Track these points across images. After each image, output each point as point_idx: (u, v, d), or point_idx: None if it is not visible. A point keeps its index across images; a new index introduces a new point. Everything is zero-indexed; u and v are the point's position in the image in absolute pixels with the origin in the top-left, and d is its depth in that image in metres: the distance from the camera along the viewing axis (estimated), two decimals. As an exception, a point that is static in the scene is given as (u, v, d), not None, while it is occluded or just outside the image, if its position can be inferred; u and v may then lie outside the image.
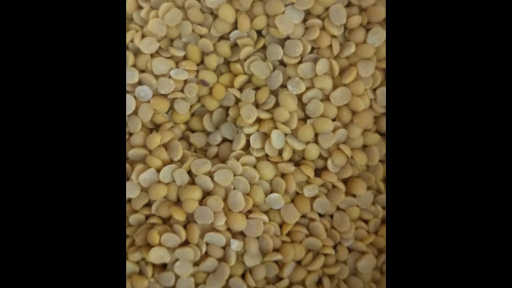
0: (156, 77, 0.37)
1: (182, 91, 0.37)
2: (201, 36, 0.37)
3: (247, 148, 0.37)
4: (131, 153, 0.37)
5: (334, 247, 0.37)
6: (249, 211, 0.36)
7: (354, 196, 0.37)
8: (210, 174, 0.36)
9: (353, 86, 0.36)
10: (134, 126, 0.37)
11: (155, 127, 0.38)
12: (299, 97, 0.36)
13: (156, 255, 0.35)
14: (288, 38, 0.36)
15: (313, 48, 0.37)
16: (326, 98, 0.36)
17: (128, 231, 0.37)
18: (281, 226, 0.37)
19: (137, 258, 0.36)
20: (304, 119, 0.36)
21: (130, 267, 0.36)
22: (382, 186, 0.37)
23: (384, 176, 0.38)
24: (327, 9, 0.36)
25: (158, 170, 0.36)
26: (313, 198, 0.37)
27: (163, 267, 0.37)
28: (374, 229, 0.38)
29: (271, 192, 0.36)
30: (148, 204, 0.37)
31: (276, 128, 0.36)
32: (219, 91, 0.37)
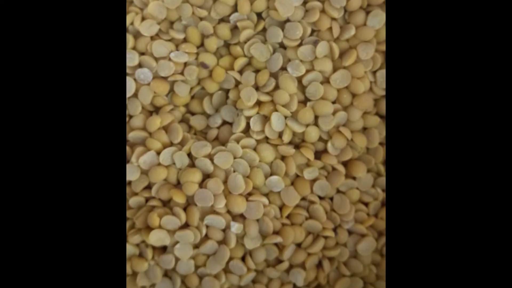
0: (156, 59, 0.37)
1: (182, 73, 0.37)
2: (201, 19, 0.37)
3: (247, 130, 0.37)
4: (131, 135, 0.36)
5: (334, 230, 0.37)
6: (249, 194, 0.36)
7: (354, 178, 0.37)
8: (210, 157, 0.36)
9: (353, 69, 0.36)
10: (134, 108, 0.37)
11: (155, 110, 0.38)
12: (299, 79, 0.36)
13: (156, 238, 0.35)
14: (288, 20, 0.36)
15: (313, 31, 0.36)
16: (326, 81, 0.36)
17: (128, 213, 0.37)
18: (281, 208, 0.37)
19: (137, 241, 0.36)
20: (304, 101, 0.36)
21: (130, 249, 0.36)
22: (382, 169, 0.37)
23: (384, 159, 0.37)
24: (327, -9, 0.36)
25: (158, 153, 0.36)
26: (313, 180, 0.37)
27: (163, 249, 0.37)
28: (374, 211, 0.38)
29: (271, 174, 0.36)
30: (148, 187, 0.37)
31: (276, 110, 0.36)
32: (219, 73, 0.37)
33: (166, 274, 0.37)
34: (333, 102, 0.36)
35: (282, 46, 0.37)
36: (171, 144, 0.36)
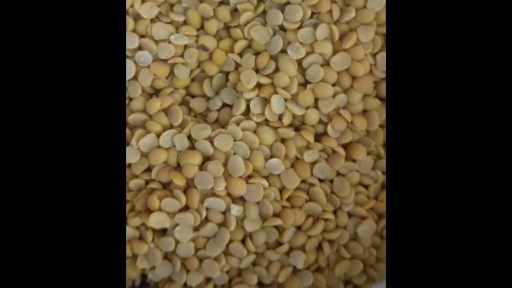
0: (156, 42, 0.37)
1: (182, 56, 0.37)
2: (201, 1, 0.37)
3: (247, 113, 0.37)
4: (131, 118, 0.36)
5: (334, 212, 0.37)
6: (249, 176, 0.36)
7: (354, 161, 0.37)
8: (210, 139, 0.36)
9: (353, 51, 0.36)
10: (134, 91, 0.37)
11: (155, 92, 0.38)
12: (299, 62, 0.36)
13: (156, 220, 0.35)
14: (288, 3, 0.36)
15: (313, 13, 0.36)
16: (326, 63, 0.36)
17: (128, 196, 0.37)
18: (281, 191, 0.37)
19: (137, 223, 0.36)
20: (304, 84, 0.36)
21: (130, 232, 0.36)
22: (382, 151, 0.37)
23: (384, 141, 0.37)
24: (327, -27, 0.36)
25: (158, 135, 0.36)
26: (313, 163, 0.37)
27: (163, 232, 0.37)
28: (374, 194, 0.38)
29: (271, 157, 0.36)
30: (148, 169, 0.36)
31: (276, 93, 0.36)
32: (219, 56, 0.37)
33: (166, 256, 0.37)
34: (333, 85, 0.36)
35: (282, 28, 0.37)
36: (171, 127, 0.36)
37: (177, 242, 0.36)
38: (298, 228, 0.37)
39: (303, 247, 0.37)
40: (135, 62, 0.37)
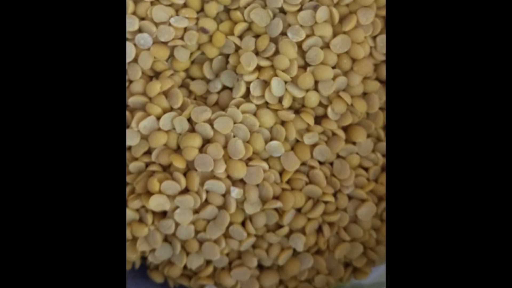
0: (156, 24, 0.36)
1: (182, 38, 0.37)
2: (201, -17, 0.37)
3: (247, 95, 0.37)
4: (131, 100, 0.36)
5: (334, 195, 0.37)
6: (249, 159, 0.36)
7: (354, 143, 0.37)
8: (210, 122, 0.35)
9: (353, 34, 0.36)
10: (134, 73, 0.37)
11: (155, 75, 0.38)
12: (299, 44, 0.36)
13: (156, 203, 0.35)
14: (288, -15, 0.36)
15: (313, -4, 0.36)
16: (326, 46, 0.36)
17: (128, 178, 0.36)
18: (281, 173, 0.37)
19: (137, 206, 0.36)
20: (304, 66, 0.36)
21: (130, 214, 0.36)
22: (382, 134, 0.37)
23: (384, 124, 0.37)
24: (327, -45, 0.36)
25: (158, 118, 0.36)
26: (313, 145, 0.36)
27: (163, 214, 0.37)
28: (374, 176, 0.38)
29: (271, 139, 0.36)
30: (148, 152, 0.36)
31: (276, 75, 0.36)
32: (219, 38, 0.37)
33: (166, 239, 0.37)
34: (333, 67, 0.36)
35: (282, 11, 0.37)
36: (171, 109, 0.36)
37: (177, 224, 0.36)
38: (298, 210, 0.37)
39: (303, 230, 0.37)
40: (135, 44, 0.37)
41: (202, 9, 0.37)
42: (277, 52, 0.36)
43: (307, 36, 0.36)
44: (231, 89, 0.37)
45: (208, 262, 0.38)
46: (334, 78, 0.36)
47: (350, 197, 0.37)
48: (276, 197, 0.36)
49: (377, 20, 0.36)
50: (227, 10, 0.38)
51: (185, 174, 0.36)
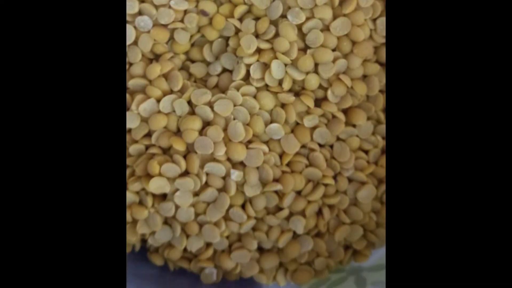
0: (156, 7, 0.36)
1: (182, 21, 0.37)
2: (201, -34, 0.37)
3: (247, 78, 0.36)
4: (131, 83, 0.36)
5: (334, 177, 0.37)
6: (249, 141, 0.36)
7: (354, 126, 0.37)
8: (210, 104, 0.35)
9: (353, 16, 0.36)
10: (134, 56, 0.37)
11: (155, 57, 0.38)
12: (299, 27, 0.36)
13: (156, 185, 0.35)
14: (288, -32, 0.36)
15: (313, -22, 0.36)
16: (326, 28, 0.36)
17: (128, 161, 0.36)
18: (281, 156, 0.37)
19: (137, 188, 0.36)
20: (304, 49, 0.36)
21: (130, 197, 0.36)
22: (382, 116, 0.37)
23: (384, 106, 0.37)
24: None
25: (158, 100, 0.36)
26: (313, 128, 0.36)
27: (163, 197, 0.37)
28: (374, 159, 0.38)
29: (271, 122, 0.36)
30: (148, 134, 0.36)
31: (276, 58, 0.36)
32: (219, 21, 0.37)
33: (166, 221, 0.37)
34: (333, 50, 0.36)
35: (282, -7, 0.37)
36: (171, 92, 0.36)
37: (177, 207, 0.36)
38: (298, 193, 0.37)
39: (303, 212, 0.37)
40: (135, 27, 0.37)
41: (202, -8, 0.37)
42: (277, 34, 0.36)
43: (307, 19, 0.36)
44: (231, 71, 0.37)
45: (208, 245, 0.38)
46: (334, 61, 0.36)
47: (350, 180, 0.37)
48: (276, 180, 0.36)
49: (377, 2, 0.36)
50: (227, -8, 0.38)
51: (185, 157, 0.36)
